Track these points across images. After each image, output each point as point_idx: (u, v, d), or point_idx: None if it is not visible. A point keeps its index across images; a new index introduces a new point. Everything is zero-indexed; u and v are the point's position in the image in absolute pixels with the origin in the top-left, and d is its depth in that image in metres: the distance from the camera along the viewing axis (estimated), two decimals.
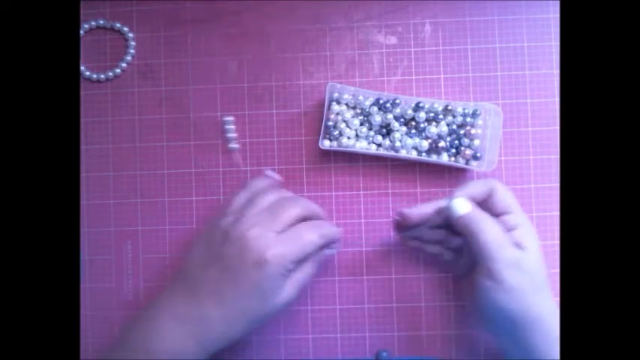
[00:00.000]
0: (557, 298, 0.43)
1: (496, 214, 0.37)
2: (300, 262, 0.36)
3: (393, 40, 0.45)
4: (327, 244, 0.38)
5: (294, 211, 0.37)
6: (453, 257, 0.41)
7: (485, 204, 0.37)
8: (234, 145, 0.44)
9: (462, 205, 0.36)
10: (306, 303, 0.44)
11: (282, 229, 0.35)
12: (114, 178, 0.45)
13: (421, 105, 0.42)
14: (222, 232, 0.36)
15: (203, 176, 0.45)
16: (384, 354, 0.37)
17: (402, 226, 0.40)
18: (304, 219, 0.37)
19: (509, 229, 0.36)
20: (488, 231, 0.35)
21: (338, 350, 0.43)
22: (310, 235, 0.36)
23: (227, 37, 0.46)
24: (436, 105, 0.43)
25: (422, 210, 0.39)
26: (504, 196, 0.37)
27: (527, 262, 0.35)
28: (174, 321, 0.35)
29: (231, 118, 0.44)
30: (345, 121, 0.43)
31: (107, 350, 0.36)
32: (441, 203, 0.38)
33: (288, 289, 0.36)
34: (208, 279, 0.35)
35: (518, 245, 0.35)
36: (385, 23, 0.45)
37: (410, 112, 0.43)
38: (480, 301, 0.35)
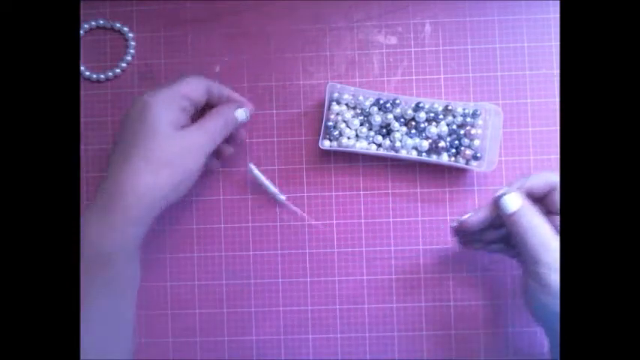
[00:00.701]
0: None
1: (554, 213, 0.35)
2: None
3: (393, 40, 0.45)
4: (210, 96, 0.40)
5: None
6: (515, 253, 0.39)
7: (544, 201, 0.36)
8: (281, 197, 0.44)
9: (513, 201, 0.34)
10: (306, 303, 0.44)
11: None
12: None
13: (421, 105, 0.42)
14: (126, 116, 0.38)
15: (203, 176, 0.45)
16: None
17: (462, 233, 0.39)
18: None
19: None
20: (537, 231, 0.33)
21: (338, 350, 0.43)
22: (193, 78, 0.38)
23: (227, 37, 0.46)
24: (436, 105, 0.43)
25: (479, 215, 0.37)
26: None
27: None
28: (94, 211, 0.35)
29: (253, 168, 0.44)
30: (345, 121, 0.43)
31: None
32: (496, 197, 0.36)
33: (188, 133, 0.37)
34: (113, 156, 0.37)
35: None
36: (385, 23, 0.45)
37: (410, 112, 0.43)
38: (527, 301, 0.34)
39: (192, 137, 0.37)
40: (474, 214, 0.37)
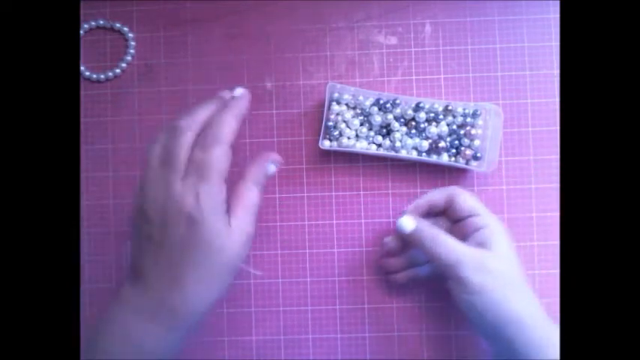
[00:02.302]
0: (557, 298, 0.43)
1: (461, 218, 0.38)
2: (232, 195, 0.33)
3: (394, 40, 0.45)
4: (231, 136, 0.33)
5: (184, 140, 0.32)
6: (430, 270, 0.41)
7: (447, 212, 0.39)
8: (257, 272, 0.44)
9: (407, 223, 0.37)
10: (305, 303, 0.44)
11: (183, 172, 0.31)
12: (114, 178, 0.45)
13: (421, 105, 0.42)
14: (140, 212, 0.32)
15: None
16: None
17: (392, 266, 0.42)
18: (200, 136, 0.32)
19: (474, 230, 0.37)
20: (438, 240, 0.36)
21: (338, 350, 0.43)
22: (210, 155, 0.31)
23: (227, 37, 0.46)
24: (436, 105, 0.43)
25: (393, 241, 0.40)
26: (467, 200, 0.38)
27: (492, 263, 0.35)
28: (136, 314, 0.32)
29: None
30: (345, 122, 0.43)
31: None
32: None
33: (240, 223, 0.32)
34: (150, 263, 0.32)
35: (482, 245, 0.36)
36: (385, 23, 0.45)
37: (410, 112, 0.42)
38: (460, 306, 0.36)
39: (244, 226, 0.32)
40: (388, 240, 0.40)
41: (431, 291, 0.43)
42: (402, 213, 0.38)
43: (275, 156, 0.35)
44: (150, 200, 0.32)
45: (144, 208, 0.32)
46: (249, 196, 0.33)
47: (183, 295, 0.31)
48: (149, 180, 0.32)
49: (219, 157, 0.31)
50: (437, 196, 0.39)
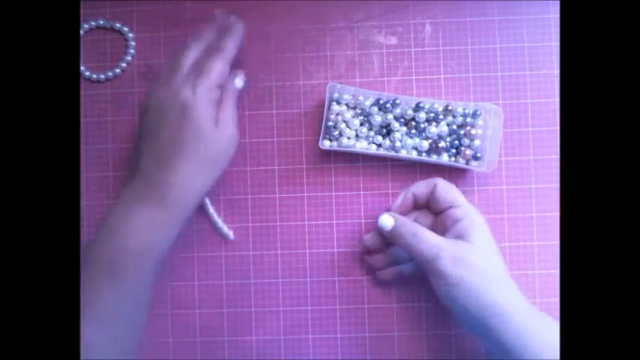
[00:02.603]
0: (557, 298, 0.43)
1: (442, 210, 0.38)
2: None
3: (394, 40, 0.45)
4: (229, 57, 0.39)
5: (192, 53, 0.39)
6: (413, 268, 0.42)
7: (429, 203, 0.40)
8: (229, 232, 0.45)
9: (386, 221, 0.38)
10: (306, 303, 0.44)
11: (186, 72, 0.38)
12: (114, 178, 0.45)
13: (421, 105, 0.42)
14: (142, 107, 0.38)
15: None
16: None
17: (371, 263, 0.42)
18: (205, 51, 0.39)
19: (454, 222, 0.37)
20: (418, 235, 0.36)
21: (338, 350, 0.43)
22: (212, 64, 0.37)
23: None
24: (436, 105, 0.43)
25: (372, 237, 0.41)
26: (446, 191, 0.38)
27: (470, 254, 0.35)
28: (138, 201, 0.36)
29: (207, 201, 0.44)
30: (345, 122, 0.43)
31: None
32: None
33: (224, 124, 0.38)
34: (146, 153, 0.37)
35: (461, 237, 0.36)
36: (385, 23, 0.45)
37: (410, 112, 0.42)
38: (443, 300, 0.36)
39: (230, 128, 0.38)
40: (368, 236, 0.41)
41: (429, 291, 0.43)
42: (382, 211, 0.39)
43: (242, 73, 0.41)
44: (151, 94, 0.38)
45: (145, 102, 0.38)
46: (229, 103, 0.39)
47: (172, 176, 0.36)
48: (156, 82, 0.38)
49: (218, 65, 0.38)
50: (420, 188, 0.40)
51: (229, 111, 0.39)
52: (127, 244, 0.35)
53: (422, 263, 0.36)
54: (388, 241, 0.40)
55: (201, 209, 0.44)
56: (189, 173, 0.36)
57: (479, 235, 0.36)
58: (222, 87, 0.39)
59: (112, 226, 0.36)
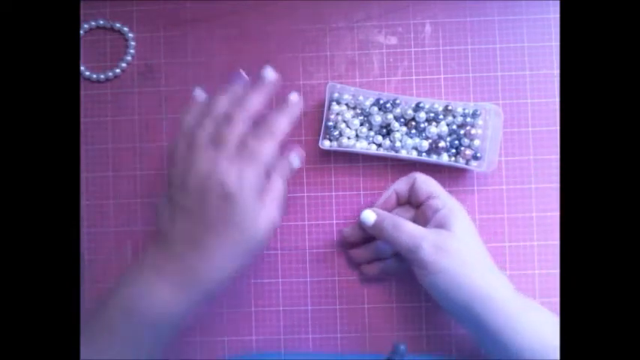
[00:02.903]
0: (557, 298, 0.43)
1: (421, 202, 0.39)
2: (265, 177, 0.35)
3: (393, 40, 0.45)
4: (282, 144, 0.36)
5: (237, 128, 0.35)
6: (396, 262, 0.42)
7: (411, 197, 0.40)
8: None
9: (368, 216, 0.39)
10: (306, 303, 0.44)
11: (233, 152, 0.34)
12: (114, 178, 0.45)
13: (421, 105, 0.42)
14: (178, 178, 0.35)
15: None
16: (402, 347, 0.37)
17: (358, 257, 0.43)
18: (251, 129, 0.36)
19: (433, 212, 0.38)
20: (398, 227, 0.37)
21: (338, 350, 0.43)
22: (263, 147, 0.34)
23: (227, 37, 0.46)
24: (436, 105, 0.43)
25: (353, 230, 0.42)
26: (424, 183, 0.39)
27: (451, 242, 0.36)
28: (158, 275, 0.34)
29: None
30: (345, 121, 0.43)
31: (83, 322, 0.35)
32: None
33: (268, 210, 0.35)
34: (179, 229, 0.34)
35: (441, 226, 0.37)
36: (385, 23, 0.45)
37: (410, 112, 0.42)
38: (429, 291, 0.37)
39: (273, 213, 0.35)
40: (347, 231, 0.42)
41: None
42: (364, 208, 0.40)
43: (299, 150, 0.39)
44: (191, 167, 0.34)
45: (184, 178, 0.34)
46: (277, 186, 0.36)
47: (204, 260, 0.34)
48: (195, 155, 0.35)
49: (268, 149, 0.35)
50: (401, 185, 0.40)
51: (277, 194, 0.36)
52: (145, 314, 0.33)
53: (405, 254, 0.37)
54: (369, 235, 0.40)
55: None
56: (221, 257, 0.34)
57: (459, 223, 0.37)
58: (271, 165, 0.36)
59: (131, 296, 0.34)
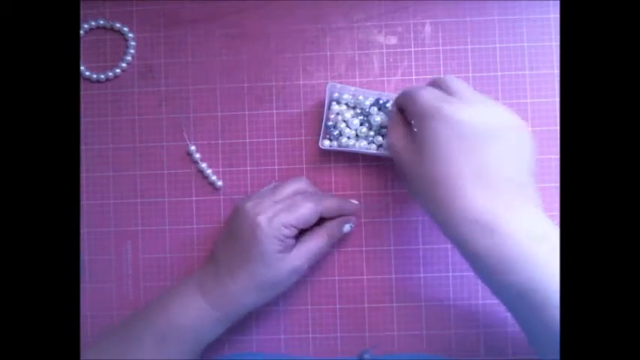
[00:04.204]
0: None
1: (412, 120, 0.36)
2: (306, 231, 0.40)
3: (393, 40, 0.45)
4: (334, 216, 0.41)
5: (294, 185, 0.41)
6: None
7: (405, 113, 0.37)
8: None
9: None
10: (306, 302, 0.44)
11: (280, 200, 0.39)
12: (114, 178, 0.45)
13: None
14: (234, 210, 0.40)
15: (203, 176, 0.45)
16: (367, 355, 0.39)
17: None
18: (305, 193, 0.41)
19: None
20: (420, 92, 0.34)
21: (338, 350, 0.43)
22: (306, 204, 0.38)
23: (227, 37, 0.46)
24: None
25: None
26: (449, 81, 0.36)
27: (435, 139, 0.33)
28: (201, 294, 0.38)
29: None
30: (345, 121, 0.43)
31: (119, 326, 0.40)
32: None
33: (295, 256, 0.38)
34: (223, 255, 0.39)
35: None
36: (385, 23, 0.45)
37: None
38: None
39: (299, 261, 0.39)
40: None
41: (429, 290, 0.44)
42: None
43: (353, 218, 0.42)
44: (244, 202, 0.39)
45: (238, 204, 0.40)
46: (317, 240, 0.40)
47: (233, 284, 0.38)
48: (255, 193, 0.41)
49: (309, 210, 0.38)
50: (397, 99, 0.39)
51: (313, 247, 0.40)
52: (177, 322, 0.38)
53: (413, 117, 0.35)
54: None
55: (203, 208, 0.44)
56: (246, 287, 0.38)
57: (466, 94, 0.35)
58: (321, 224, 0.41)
59: (173, 306, 0.38)
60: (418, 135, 0.34)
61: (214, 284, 0.38)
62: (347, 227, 0.42)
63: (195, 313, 0.38)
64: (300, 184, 0.41)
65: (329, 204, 0.40)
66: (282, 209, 0.38)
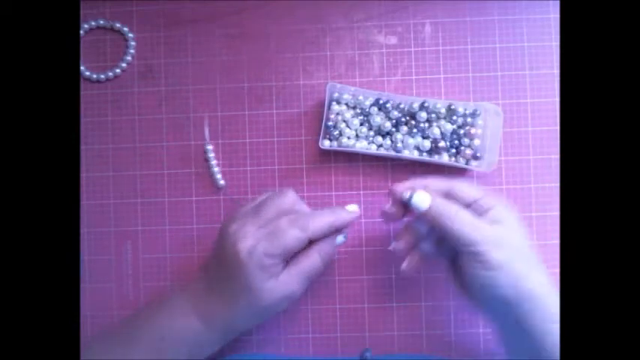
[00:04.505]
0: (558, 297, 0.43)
1: (469, 203, 0.36)
2: (294, 255, 0.36)
3: (393, 40, 0.45)
4: (326, 234, 0.37)
5: (277, 204, 0.37)
6: (435, 248, 0.39)
7: (449, 198, 0.37)
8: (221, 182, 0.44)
9: (422, 199, 0.35)
10: (306, 302, 0.44)
11: (263, 224, 0.36)
12: (114, 178, 0.45)
13: (426, 105, 0.42)
14: (220, 229, 0.37)
15: (203, 176, 0.45)
16: (367, 354, 0.38)
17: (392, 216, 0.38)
18: (290, 212, 0.37)
19: (486, 210, 0.35)
20: (459, 217, 0.34)
21: (338, 350, 0.43)
22: (289, 230, 0.35)
23: (227, 37, 0.46)
24: (438, 105, 0.43)
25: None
26: (465, 187, 0.37)
27: (508, 237, 0.34)
28: (196, 315, 0.36)
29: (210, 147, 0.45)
30: (345, 121, 0.43)
31: (109, 338, 0.38)
32: (405, 201, 0.36)
33: (285, 282, 0.35)
34: (214, 274, 0.37)
35: (497, 223, 0.35)
36: (385, 23, 0.45)
37: (415, 105, 0.42)
38: (471, 286, 0.35)
39: (290, 286, 0.36)
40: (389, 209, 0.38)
41: (428, 290, 0.44)
42: (411, 189, 0.36)
43: (345, 231, 0.39)
44: (227, 224, 0.36)
45: (224, 222, 0.37)
46: (308, 262, 0.36)
47: (225, 311, 0.36)
48: (240, 211, 0.38)
49: (294, 238, 0.35)
50: (437, 184, 0.37)
51: (306, 268, 0.36)
52: (171, 339, 0.36)
53: (460, 247, 0.34)
54: (406, 211, 0.38)
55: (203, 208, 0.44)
56: (237, 313, 0.36)
57: (511, 220, 0.36)
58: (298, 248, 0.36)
59: (163, 318, 0.37)
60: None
61: (207, 305, 0.36)
62: (340, 239, 0.38)
63: (191, 335, 0.36)
64: (285, 201, 0.37)
65: (317, 226, 0.36)
66: (264, 235, 0.35)
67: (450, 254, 0.38)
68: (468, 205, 0.36)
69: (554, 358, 0.33)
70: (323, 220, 0.36)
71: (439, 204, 0.35)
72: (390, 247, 0.38)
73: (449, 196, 0.37)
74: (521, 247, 0.35)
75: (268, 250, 0.34)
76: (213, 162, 0.44)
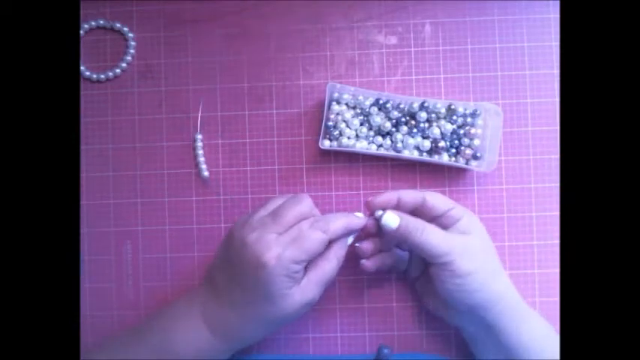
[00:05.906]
0: (557, 298, 0.43)
1: (438, 216, 0.38)
2: (313, 260, 0.36)
3: (393, 40, 0.45)
4: (341, 237, 0.37)
5: (296, 209, 0.36)
6: (405, 265, 0.42)
7: (419, 211, 0.38)
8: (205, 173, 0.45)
9: (392, 220, 0.37)
10: None
11: (283, 230, 0.35)
12: (114, 178, 0.45)
13: (426, 105, 0.42)
14: (231, 237, 0.36)
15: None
16: (386, 350, 0.38)
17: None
18: (309, 217, 0.36)
19: (455, 221, 0.38)
20: (426, 232, 0.36)
21: (338, 350, 0.43)
22: (313, 233, 0.35)
23: (227, 37, 0.46)
24: (439, 105, 0.43)
25: (371, 242, 0.39)
26: (436, 198, 0.38)
27: (475, 245, 0.37)
28: (205, 323, 0.36)
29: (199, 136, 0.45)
30: (345, 121, 0.43)
31: (113, 346, 0.38)
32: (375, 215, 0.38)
33: (307, 288, 0.35)
34: (224, 283, 0.36)
35: (465, 233, 0.37)
36: (385, 23, 0.45)
37: (415, 105, 0.42)
38: (443, 294, 0.37)
39: (311, 293, 0.35)
40: (365, 242, 0.39)
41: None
42: (379, 211, 0.37)
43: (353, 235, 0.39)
44: (245, 233, 0.35)
45: (233, 228, 0.36)
46: (327, 266, 0.36)
47: (239, 319, 0.36)
48: (254, 218, 0.36)
49: (319, 240, 0.35)
50: (408, 195, 0.38)
51: (323, 275, 0.36)
52: (180, 350, 0.36)
53: (430, 259, 0.36)
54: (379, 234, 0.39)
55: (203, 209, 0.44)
56: (251, 324, 0.36)
57: (478, 230, 0.38)
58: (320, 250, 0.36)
59: (171, 328, 0.36)
60: None
61: (216, 314, 0.36)
62: (350, 240, 0.38)
63: (199, 344, 0.36)
64: (302, 207, 0.36)
65: (337, 227, 0.36)
66: (288, 242, 0.34)
67: (420, 269, 0.41)
68: (439, 216, 0.38)
69: (531, 353, 0.36)
70: (340, 222, 0.36)
71: (408, 222, 0.37)
72: (356, 244, 0.39)
73: (421, 207, 0.38)
74: (488, 254, 0.38)
75: (295, 256, 0.34)
76: (200, 152, 0.44)
